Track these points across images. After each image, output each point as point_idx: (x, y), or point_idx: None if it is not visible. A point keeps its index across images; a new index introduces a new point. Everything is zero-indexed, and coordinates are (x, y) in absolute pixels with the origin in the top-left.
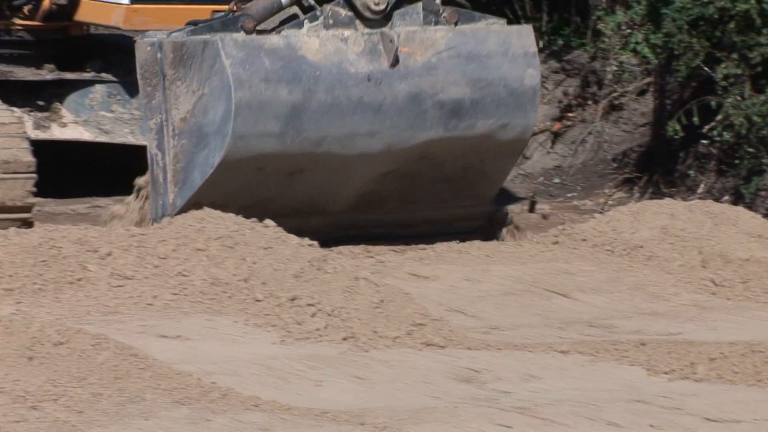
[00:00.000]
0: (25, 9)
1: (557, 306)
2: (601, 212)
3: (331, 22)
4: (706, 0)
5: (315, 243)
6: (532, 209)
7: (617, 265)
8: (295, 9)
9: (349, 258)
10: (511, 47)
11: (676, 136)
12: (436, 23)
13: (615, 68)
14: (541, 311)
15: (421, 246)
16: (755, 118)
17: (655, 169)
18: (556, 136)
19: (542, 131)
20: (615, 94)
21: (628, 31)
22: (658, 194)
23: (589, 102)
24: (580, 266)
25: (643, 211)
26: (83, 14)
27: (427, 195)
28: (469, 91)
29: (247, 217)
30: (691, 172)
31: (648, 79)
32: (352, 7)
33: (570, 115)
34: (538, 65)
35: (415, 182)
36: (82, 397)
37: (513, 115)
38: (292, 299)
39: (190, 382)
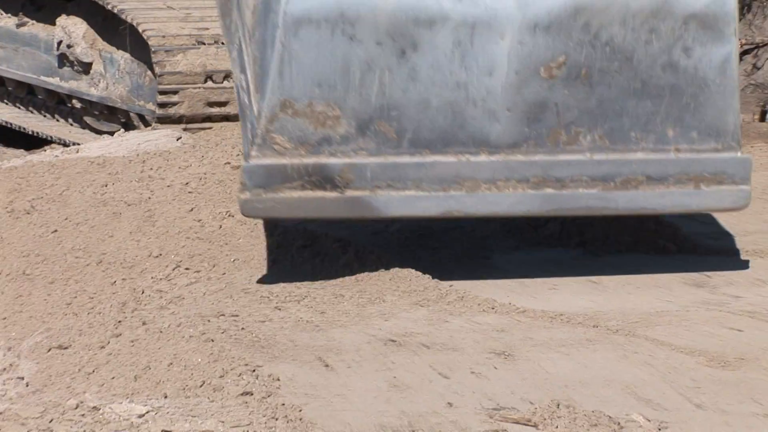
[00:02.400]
0: None
1: None
2: None
3: None
4: None
5: None
6: (762, 118)
7: None
8: None
9: None
10: None
11: None
12: None
13: None
14: None
15: None
16: None
17: None
18: None
19: None
20: None
21: None
22: None
23: None
24: None
25: None
26: None
27: (635, 121)
28: None
29: (377, 144)
30: None
31: None
32: None
33: None
34: None
35: (605, 92)
36: (324, 299)
37: None
38: None
39: (428, 284)
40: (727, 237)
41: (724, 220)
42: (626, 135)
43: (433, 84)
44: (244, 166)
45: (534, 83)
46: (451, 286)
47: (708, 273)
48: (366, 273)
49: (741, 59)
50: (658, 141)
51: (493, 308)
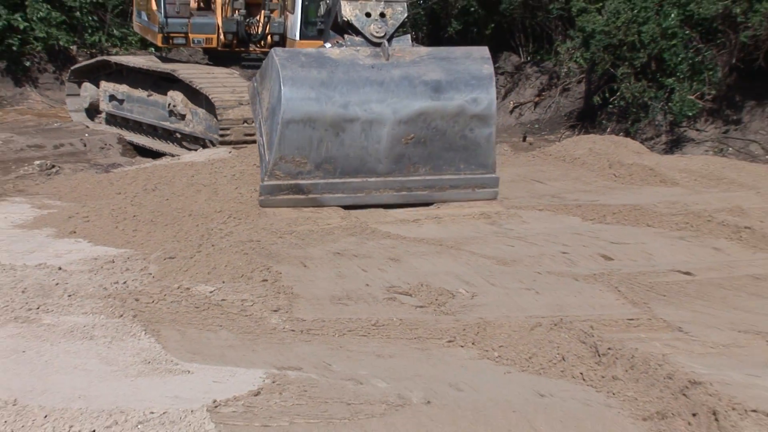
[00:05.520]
0: (262, 42)
1: (537, 187)
2: (558, 141)
3: (348, 44)
4: (612, 35)
5: None
6: (524, 139)
7: (566, 167)
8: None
9: None
10: (472, 54)
11: (597, 104)
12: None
13: (565, 70)
14: (529, 190)
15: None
16: (635, 94)
17: (586, 121)
18: (536, 104)
19: (529, 102)
20: (566, 83)
21: (573, 51)
22: (587, 132)
23: (553, 87)
24: (548, 168)
25: (580, 140)
26: (288, 45)
27: (446, 162)
28: (444, 75)
29: (324, 174)
30: (604, 121)
31: (582, 75)
32: (363, 36)
33: (543, 93)
34: (491, 64)
35: (432, 149)
36: (303, 231)
37: (479, 92)
38: None
39: (355, 223)
40: (507, 199)
41: (506, 191)
42: (441, 168)
43: (351, 147)
44: (261, 184)
45: (398, 146)
46: (367, 225)
47: (497, 218)
48: (318, 216)
49: (512, 112)
50: (456, 170)
51: (389, 236)
